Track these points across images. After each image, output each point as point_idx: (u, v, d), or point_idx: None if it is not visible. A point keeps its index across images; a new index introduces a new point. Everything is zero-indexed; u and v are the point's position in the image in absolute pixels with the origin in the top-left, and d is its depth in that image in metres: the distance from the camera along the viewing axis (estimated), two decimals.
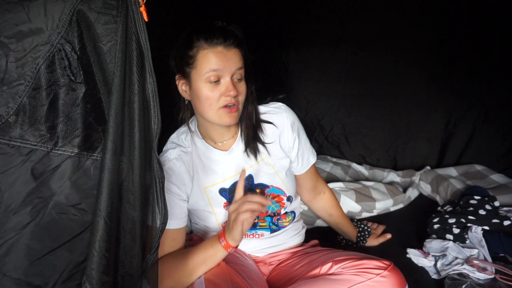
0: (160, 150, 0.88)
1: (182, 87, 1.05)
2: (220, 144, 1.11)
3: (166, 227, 0.96)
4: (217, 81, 0.98)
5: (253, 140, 1.11)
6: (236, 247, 0.99)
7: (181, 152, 1.08)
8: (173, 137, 1.13)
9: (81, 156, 0.75)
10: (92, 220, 0.67)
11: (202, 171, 1.10)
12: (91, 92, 0.75)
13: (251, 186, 1.13)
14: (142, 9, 0.72)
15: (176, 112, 1.13)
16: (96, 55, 0.73)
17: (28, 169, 0.71)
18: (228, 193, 1.11)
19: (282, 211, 1.17)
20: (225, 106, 0.99)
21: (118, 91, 0.67)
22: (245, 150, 1.11)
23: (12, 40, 0.70)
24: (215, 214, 1.11)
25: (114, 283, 0.68)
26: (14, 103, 0.71)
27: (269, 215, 1.16)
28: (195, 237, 1.23)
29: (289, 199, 1.17)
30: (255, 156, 1.12)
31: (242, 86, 1.03)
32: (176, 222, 1.05)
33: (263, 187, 1.14)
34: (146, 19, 0.73)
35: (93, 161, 0.75)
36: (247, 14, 1.74)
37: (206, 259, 0.99)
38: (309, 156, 1.23)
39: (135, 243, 0.71)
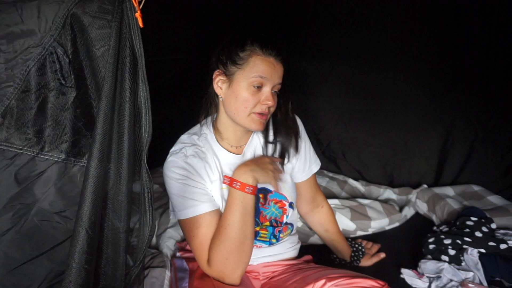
0: (150, 160, 0.86)
1: (218, 83, 1.06)
2: (234, 148, 1.13)
3: (198, 213, 0.99)
4: (259, 87, 1.02)
5: (286, 150, 1.15)
6: (255, 187, 1.01)
7: (197, 150, 1.09)
8: (184, 138, 1.13)
9: (68, 162, 0.73)
10: (73, 230, 0.64)
11: (218, 171, 1.09)
12: (82, 97, 0.73)
13: None
14: (138, 15, 0.71)
15: (203, 105, 1.15)
16: (89, 60, 0.72)
17: (12, 173, 0.69)
18: None
19: (285, 219, 1.16)
20: (258, 113, 1.03)
21: (107, 97, 0.65)
22: (283, 163, 1.15)
23: (3, 41, 0.69)
24: None
25: None
26: (1, 105, 0.69)
27: (271, 225, 1.14)
28: (188, 247, 1.20)
29: (291, 205, 1.17)
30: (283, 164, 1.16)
31: (276, 99, 1.07)
32: (206, 205, 1.02)
33: (266, 192, 1.14)
34: (141, 25, 0.71)
35: (80, 167, 0.73)
36: (247, 26, 1.74)
37: (242, 214, 0.99)
38: (312, 164, 1.24)
39: (119, 254, 0.69)
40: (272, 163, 1.08)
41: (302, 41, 2.00)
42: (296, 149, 1.17)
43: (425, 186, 1.87)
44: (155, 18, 0.86)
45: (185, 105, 1.22)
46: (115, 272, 0.71)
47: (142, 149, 0.73)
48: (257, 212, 1.12)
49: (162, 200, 1.59)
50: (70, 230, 0.71)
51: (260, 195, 1.13)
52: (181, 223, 1.05)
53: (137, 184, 0.77)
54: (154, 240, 1.36)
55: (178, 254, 1.23)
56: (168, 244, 1.31)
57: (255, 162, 1.06)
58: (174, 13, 1.48)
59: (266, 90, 1.03)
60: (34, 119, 0.71)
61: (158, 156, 1.09)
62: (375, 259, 1.37)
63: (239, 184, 1.00)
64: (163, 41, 1.40)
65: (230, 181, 1.03)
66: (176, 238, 1.35)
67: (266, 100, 1.03)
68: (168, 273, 1.14)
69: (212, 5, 1.64)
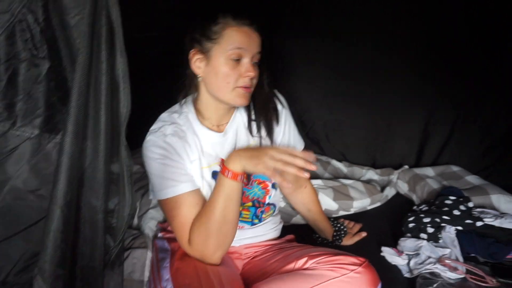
0: (131, 140, 0.83)
1: (196, 63, 1.04)
2: (216, 126, 1.11)
3: (178, 193, 0.97)
4: (237, 60, 1.00)
5: (268, 125, 1.13)
6: (246, 176, 0.98)
7: (177, 128, 1.05)
8: (164, 116, 1.10)
9: (42, 138, 0.69)
10: (47, 208, 0.61)
11: (198, 151, 1.07)
12: (56, 69, 0.69)
13: None
14: None
15: (179, 88, 1.11)
16: (62, 29, 0.68)
17: None
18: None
19: (267, 199, 1.16)
20: (242, 87, 1.01)
21: (82, 69, 0.61)
22: (264, 135, 1.13)
23: None
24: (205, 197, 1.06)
25: (70, 276, 0.62)
26: None
27: (254, 205, 1.13)
28: (170, 227, 1.18)
29: (274, 185, 1.17)
30: (260, 142, 1.13)
31: (257, 70, 1.04)
32: (186, 184, 0.99)
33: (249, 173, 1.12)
34: None
35: (55, 144, 0.70)
36: (232, 2, 1.68)
37: (226, 199, 0.95)
38: (296, 144, 1.23)
39: (97, 234, 0.67)
40: (274, 160, 0.91)
41: (288, 19, 1.96)
42: (277, 121, 1.15)
43: (406, 167, 1.90)
44: None
45: (169, 84, 1.18)
46: (94, 252, 0.69)
47: (121, 125, 0.70)
48: None
49: (143, 181, 1.56)
50: (46, 209, 0.68)
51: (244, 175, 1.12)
52: (161, 203, 1.03)
53: (117, 164, 0.74)
54: (135, 221, 1.34)
55: (159, 234, 1.22)
56: (150, 225, 1.29)
57: (251, 151, 0.97)
58: None
59: (246, 61, 1.01)
60: (4, 92, 0.66)
61: (140, 136, 1.06)
62: (356, 238, 1.39)
63: (231, 173, 0.95)
64: (146, 16, 1.34)
65: (222, 168, 0.97)
66: (158, 219, 1.34)
67: (247, 71, 1.00)
68: (149, 254, 1.13)
69: None
